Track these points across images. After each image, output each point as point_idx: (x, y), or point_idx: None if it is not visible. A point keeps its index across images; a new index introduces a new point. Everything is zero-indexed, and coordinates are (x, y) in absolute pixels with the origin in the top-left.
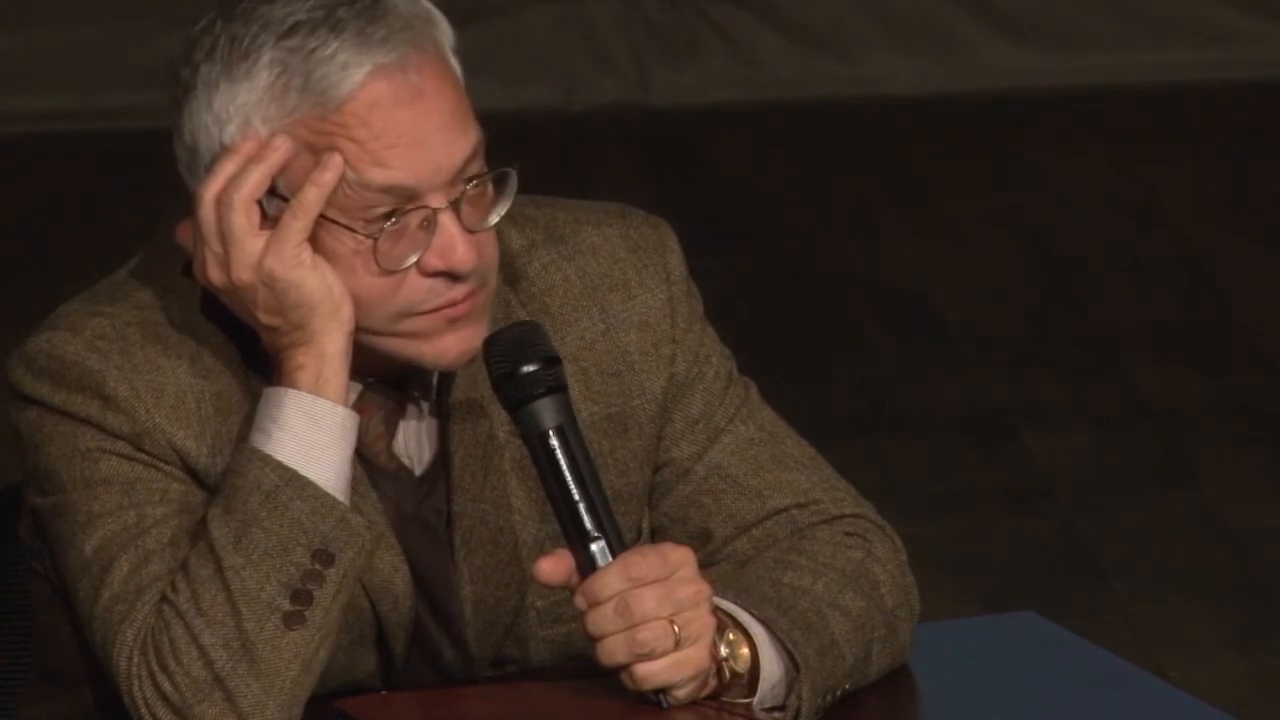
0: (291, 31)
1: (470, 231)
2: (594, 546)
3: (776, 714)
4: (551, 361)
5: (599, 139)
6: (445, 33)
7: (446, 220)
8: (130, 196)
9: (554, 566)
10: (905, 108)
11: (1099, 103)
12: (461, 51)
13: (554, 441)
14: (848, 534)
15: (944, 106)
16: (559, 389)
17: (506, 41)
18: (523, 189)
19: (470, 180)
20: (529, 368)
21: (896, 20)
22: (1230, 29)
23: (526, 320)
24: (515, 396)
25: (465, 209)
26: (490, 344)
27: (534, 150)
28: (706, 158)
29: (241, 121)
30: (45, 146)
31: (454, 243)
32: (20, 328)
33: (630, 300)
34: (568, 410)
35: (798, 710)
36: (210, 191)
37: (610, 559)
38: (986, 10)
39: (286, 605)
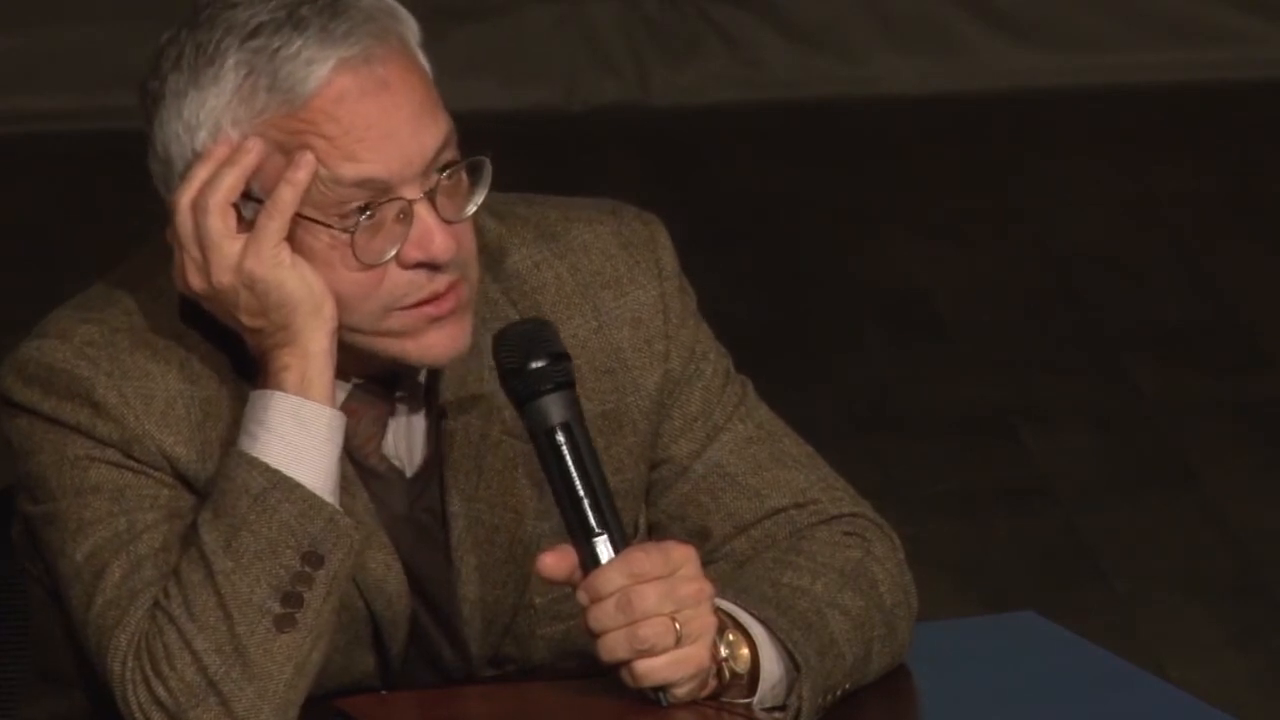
0: (255, 33)
1: (447, 222)
2: (597, 542)
3: (777, 714)
4: (560, 358)
5: (599, 139)
6: (410, 26)
7: (422, 211)
8: (130, 196)
9: (557, 562)
10: (905, 108)
11: (1099, 103)
12: (461, 51)
13: (560, 437)
14: (846, 533)
15: (944, 106)
16: (567, 385)
17: (506, 41)
18: (523, 188)
19: (443, 170)
20: (537, 363)
21: (896, 20)
22: (1230, 29)
23: (537, 317)
24: (523, 391)
25: (441, 200)
26: (500, 339)
27: (534, 150)
28: (706, 158)
29: (212, 126)
30: (45, 146)
31: (431, 233)
32: (20, 328)
33: (622, 297)
34: (575, 406)
35: (798, 710)
36: (185, 198)
37: (613, 555)
38: (986, 10)
39: (277, 608)
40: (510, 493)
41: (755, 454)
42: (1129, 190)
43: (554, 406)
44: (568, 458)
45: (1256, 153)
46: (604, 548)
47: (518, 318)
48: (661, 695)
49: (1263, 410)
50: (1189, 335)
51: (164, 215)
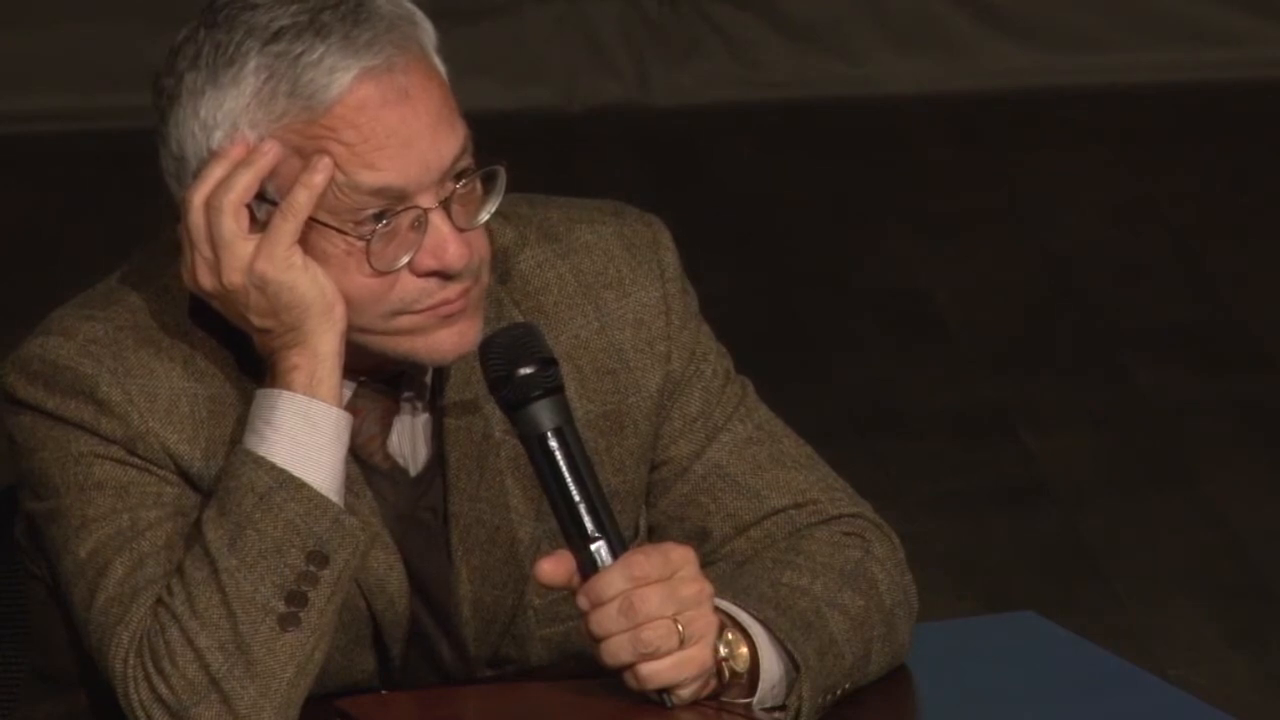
0: (276, 37)
1: (461, 230)
2: (595, 547)
3: (777, 714)
4: (548, 363)
5: (599, 139)
6: (428, 32)
7: (437, 220)
8: (130, 196)
9: (555, 567)
10: (905, 108)
11: (1099, 103)
12: (461, 51)
13: (553, 443)
14: (846, 534)
15: (944, 106)
16: (556, 390)
17: (506, 41)
18: (523, 189)
19: (459, 178)
20: (525, 370)
21: (896, 20)
22: (1230, 29)
23: (522, 322)
24: (512, 399)
25: (455, 207)
26: (486, 346)
27: (534, 150)
28: (706, 158)
29: (229, 127)
30: (45, 146)
31: (446, 242)
32: (20, 327)
33: (625, 298)
34: (565, 411)
35: (798, 710)
36: (199, 196)
37: (611, 559)
38: (986, 10)
39: (281, 607)
40: (512, 493)
41: (755, 454)
42: (1129, 190)
43: (544, 413)
44: (561, 463)
45: (1256, 153)
46: (602, 552)
47: (521, 319)
48: (666, 697)
49: (1263, 410)
50: (1189, 335)
51: (175, 211)
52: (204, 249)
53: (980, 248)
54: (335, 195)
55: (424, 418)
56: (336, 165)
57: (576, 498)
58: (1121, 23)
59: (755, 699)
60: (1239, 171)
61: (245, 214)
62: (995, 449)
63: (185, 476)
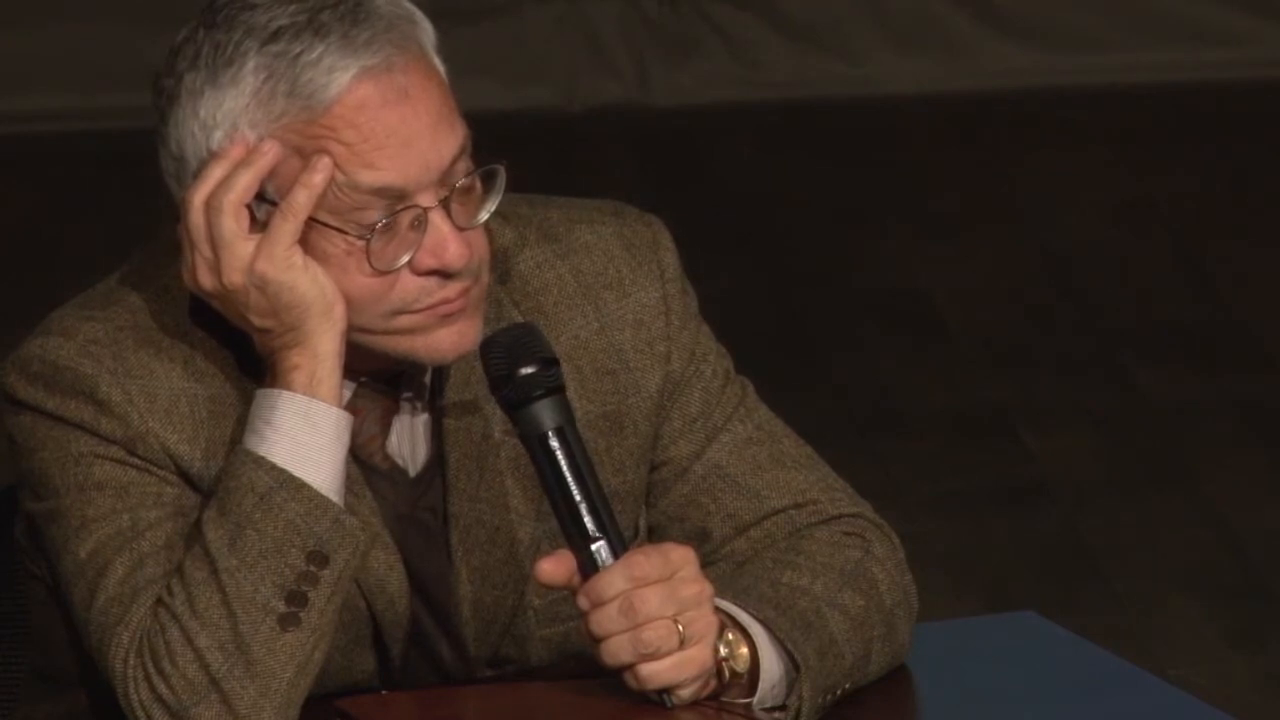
0: (275, 37)
1: (461, 229)
2: (595, 547)
3: (777, 714)
4: (549, 363)
5: (599, 139)
6: (427, 32)
7: (437, 219)
8: (130, 196)
9: (555, 567)
10: (905, 108)
11: (1099, 103)
12: (461, 51)
13: (554, 443)
14: (846, 534)
15: (944, 106)
16: (557, 390)
17: (506, 41)
18: (523, 189)
19: (459, 177)
20: (527, 369)
21: (896, 20)
22: (1230, 29)
23: (524, 322)
24: (514, 398)
25: (455, 207)
26: (488, 346)
27: (534, 150)
28: (706, 158)
29: (229, 127)
30: (45, 146)
31: (446, 241)
32: (20, 327)
33: (624, 298)
34: (567, 411)
35: (798, 710)
36: (199, 196)
37: (612, 559)
38: (986, 10)
39: (281, 607)
40: (512, 493)
41: (755, 455)
42: (1129, 190)
43: (546, 413)
44: (562, 463)
45: (1256, 153)
46: (602, 552)
47: (520, 319)
48: (666, 697)
49: (1263, 410)
50: (1189, 335)
51: (174, 211)
52: (204, 249)
53: (980, 248)
54: (335, 195)
55: (424, 418)
56: (336, 165)
57: (577, 497)
58: (1121, 23)
59: (755, 699)
60: (1239, 171)
61: (245, 214)
62: (995, 449)
63: (185, 476)
